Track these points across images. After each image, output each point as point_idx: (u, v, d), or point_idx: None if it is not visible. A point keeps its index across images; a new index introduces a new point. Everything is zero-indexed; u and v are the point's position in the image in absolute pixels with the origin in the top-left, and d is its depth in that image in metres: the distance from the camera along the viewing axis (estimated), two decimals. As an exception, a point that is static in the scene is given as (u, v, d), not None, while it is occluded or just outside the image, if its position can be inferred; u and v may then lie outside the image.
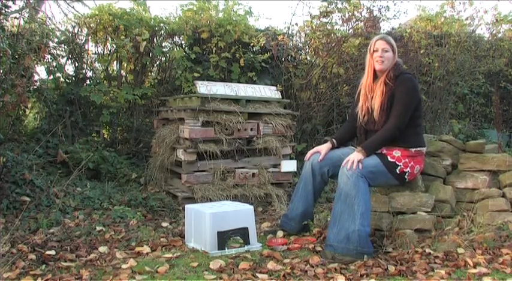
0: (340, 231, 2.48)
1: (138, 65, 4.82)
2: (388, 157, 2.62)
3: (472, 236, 2.51)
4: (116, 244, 2.69)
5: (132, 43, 4.49)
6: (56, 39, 4.59)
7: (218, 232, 2.55)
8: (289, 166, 4.10)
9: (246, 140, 3.97)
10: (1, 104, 3.74)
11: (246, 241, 2.62)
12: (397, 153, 2.63)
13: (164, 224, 3.17)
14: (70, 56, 4.68)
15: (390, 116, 2.64)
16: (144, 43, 4.44)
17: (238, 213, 2.68)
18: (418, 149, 2.69)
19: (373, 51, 2.74)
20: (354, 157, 2.58)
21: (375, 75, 2.79)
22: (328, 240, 2.52)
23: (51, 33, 4.49)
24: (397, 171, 2.62)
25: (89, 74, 4.83)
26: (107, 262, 2.40)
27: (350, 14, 4.92)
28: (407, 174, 2.66)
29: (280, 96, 4.27)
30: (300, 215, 2.86)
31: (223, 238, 2.55)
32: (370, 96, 2.76)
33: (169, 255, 2.47)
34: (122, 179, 4.14)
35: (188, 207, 2.76)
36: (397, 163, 2.62)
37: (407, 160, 2.63)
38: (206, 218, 2.57)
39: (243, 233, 2.62)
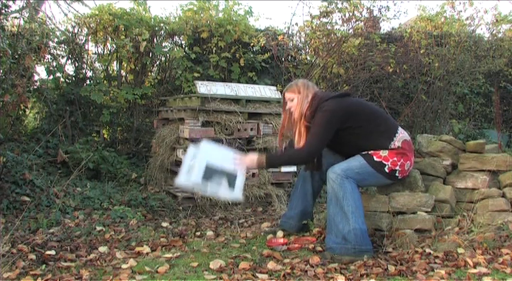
0: (336, 233, 2.48)
1: (138, 65, 4.82)
2: (374, 157, 2.56)
3: (472, 236, 2.51)
4: (116, 244, 2.70)
5: (132, 43, 4.49)
6: (56, 39, 4.59)
7: (207, 165, 2.51)
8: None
9: (246, 140, 3.97)
10: (1, 104, 3.74)
11: (231, 185, 2.57)
12: (383, 153, 2.56)
13: (164, 224, 3.17)
14: (70, 56, 4.68)
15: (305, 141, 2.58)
16: (144, 43, 4.44)
17: (231, 155, 2.64)
18: (399, 140, 2.58)
19: (284, 105, 2.75)
20: (248, 160, 2.58)
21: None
22: (327, 243, 2.53)
23: (51, 33, 4.49)
24: (386, 170, 2.57)
25: (89, 74, 4.83)
26: (107, 262, 2.40)
27: (350, 14, 4.92)
28: (397, 172, 2.60)
29: (280, 96, 4.27)
30: (299, 213, 2.87)
31: (210, 173, 2.51)
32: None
33: (169, 255, 2.47)
34: (122, 179, 4.14)
35: (190, 145, 2.72)
36: (384, 162, 2.56)
37: (395, 159, 2.57)
38: (201, 146, 2.55)
39: (231, 178, 2.57)
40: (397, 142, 2.59)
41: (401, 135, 2.63)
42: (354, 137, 2.60)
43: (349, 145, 2.63)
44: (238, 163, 2.61)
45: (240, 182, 2.59)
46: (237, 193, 2.57)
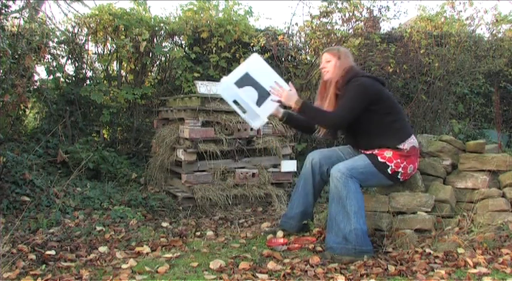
0: (337, 233, 2.49)
1: (138, 65, 4.82)
2: (379, 157, 2.59)
3: (472, 236, 2.51)
4: (116, 244, 2.70)
5: (132, 43, 4.49)
6: (56, 39, 4.59)
7: (247, 73, 2.53)
8: (289, 166, 4.10)
9: (246, 140, 3.97)
10: (1, 104, 3.74)
11: (259, 103, 2.56)
12: (388, 153, 2.59)
13: (164, 224, 3.17)
14: (70, 56, 4.68)
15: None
16: (144, 43, 4.44)
17: (277, 81, 2.63)
18: (409, 144, 2.61)
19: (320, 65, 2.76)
20: (285, 93, 2.57)
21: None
22: (328, 243, 2.53)
23: (51, 33, 4.49)
24: (389, 171, 2.59)
25: (89, 74, 4.83)
26: (107, 262, 2.40)
27: (350, 14, 4.92)
28: (399, 174, 2.63)
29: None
30: (300, 214, 2.86)
31: (245, 81, 2.52)
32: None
33: (169, 255, 2.47)
34: (122, 179, 4.14)
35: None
36: (388, 163, 2.58)
37: (399, 160, 2.59)
38: (250, 57, 2.61)
39: (263, 95, 2.56)
40: (406, 145, 2.61)
41: (412, 140, 2.66)
42: (372, 122, 2.61)
43: (365, 129, 2.64)
44: (275, 91, 2.59)
45: (269, 105, 2.58)
46: (262, 113, 2.55)
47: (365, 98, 2.55)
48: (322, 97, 2.76)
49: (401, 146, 2.60)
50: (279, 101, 2.62)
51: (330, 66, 2.70)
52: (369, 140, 2.65)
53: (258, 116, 2.57)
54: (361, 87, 2.56)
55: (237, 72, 2.55)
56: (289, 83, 2.72)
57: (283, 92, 2.59)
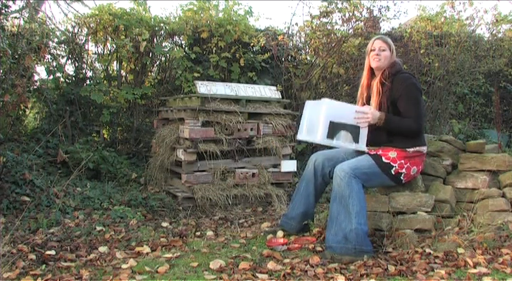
0: (337, 232, 2.49)
1: (138, 65, 4.82)
2: (383, 158, 2.60)
3: (472, 236, 2.51)
4: (116, 244, 2.70)
5: (132, 43, 4.49)
6: (56, 39, 4.59)
7: (331, 122, 2.56)
8: (289, 166, 4.10)
9: (246, 140, 3.97)
10: (1, 104, 3.74)
11: (355, 139, 2.62)
12: (393, 154, 2.61)
13: (164, 224, 3.17)
14: (70, 56, 4.68)
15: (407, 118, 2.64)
16: (144, 43, 4.44)
17: (356, 110, 2.67)
18: (417, 148, 2.66)
19: (371, 50, 2.77)
20: (370, 114, 2.59)
21: (372, 75, 2.81)
22: (327, 242, 2.53)
23: (51, 33, 4.49)
24: (392, 172, 2.61)
25: (89, 74, 4.83)
26: (107, 262, 2.40)
27: (350, 14, 4.92)
28: (402, 175, 2.64)
29: (280, 96, 4.27)
30: (301, 215, 2.87)
31: (334, 128, 2.57)
32: (367, 97, 2.78)
33: (169, 255, 2.47)
34: (122, 179, 4.14)
35: (308, 101, 2.81)
36: (392, 163, 2.60)
37: (403, 161, 2.61)
38: (322, 106, 2.61)
39: (354, 131, 2.61)
40: (416, 148, 2.64)
41: (423, 148, 2.70)
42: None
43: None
44: (362, 119, 2.61)
45: (363, 134, 2.64)
46: (361, 145, 2.62)
47: (419, 96, 2.67)
48: (369, 85, 2.81)
49: (410, 149, 2.63)
50: (368, 125, 2.66)
51: (383, 55, 2.73)
52: (386, 137, 2.65)
53: (345, 143, 2.64)
54: (414, 88, 2.66)
55: (321, 127, 2.57)
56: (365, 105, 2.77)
57: (368, 115, 2.61)
